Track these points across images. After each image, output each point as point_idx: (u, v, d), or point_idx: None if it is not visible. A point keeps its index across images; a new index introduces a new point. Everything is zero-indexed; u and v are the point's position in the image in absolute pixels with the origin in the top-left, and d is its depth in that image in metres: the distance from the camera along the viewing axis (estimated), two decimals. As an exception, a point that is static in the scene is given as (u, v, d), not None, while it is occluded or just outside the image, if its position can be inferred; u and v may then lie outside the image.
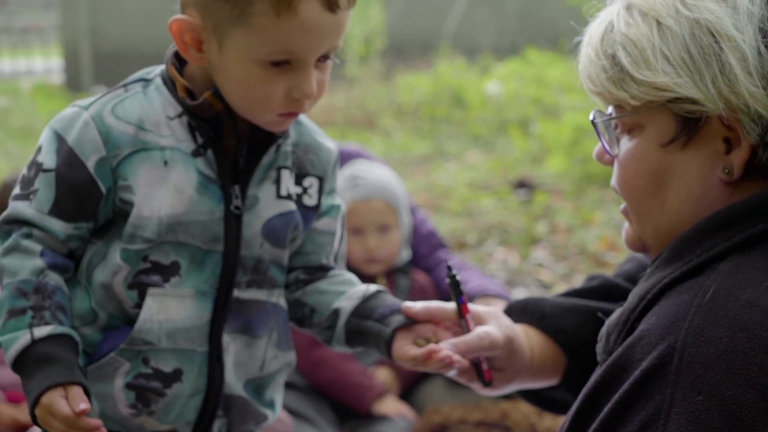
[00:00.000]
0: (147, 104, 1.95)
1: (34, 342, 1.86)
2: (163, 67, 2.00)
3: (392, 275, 4.29)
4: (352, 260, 4.20)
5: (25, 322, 1.87)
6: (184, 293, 1.96)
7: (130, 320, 1.96)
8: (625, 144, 1.83)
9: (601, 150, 1.90)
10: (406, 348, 2.01)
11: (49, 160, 1.93)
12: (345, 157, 4.37)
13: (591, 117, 1.88)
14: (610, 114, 1.85)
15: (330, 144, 2.11)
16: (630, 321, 1.76)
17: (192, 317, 1.97)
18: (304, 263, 2.10)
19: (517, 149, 9.36)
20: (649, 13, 1.77)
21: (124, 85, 1.99)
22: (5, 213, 1.94)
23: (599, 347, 1.84)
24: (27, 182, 1.94)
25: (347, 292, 2.08)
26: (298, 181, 2.05)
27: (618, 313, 1.81)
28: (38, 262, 1.90)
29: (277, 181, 2.02)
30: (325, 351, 4.09)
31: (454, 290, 2.04)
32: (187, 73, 1.98)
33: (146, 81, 1.98)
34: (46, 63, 19.09)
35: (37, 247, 1.91)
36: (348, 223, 4.10)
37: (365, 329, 2.04)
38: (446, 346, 1.99)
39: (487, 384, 2.09)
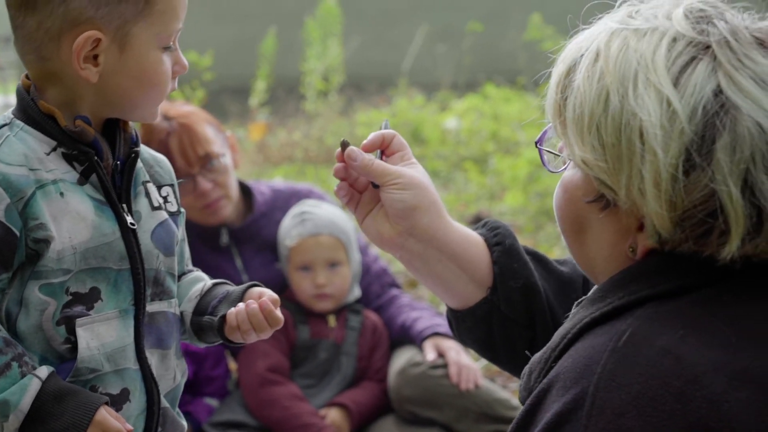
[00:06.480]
0: (23, 144, 1.96)
1: (44, 383, 1.89)
2: (13, 108, 2.02)
3: (343, 313, 4.23)
4: (302, 296, 4.16)
5: (17, 373, 1.89)
6: (110, 316, 2.00)
7: (61, 357, 1.97)
8: (568, 171, 1.81)
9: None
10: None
11: None
12: (296, 197, 4.34)
13: (546, 128, 1.87)
14: (558, 147, 1.84)
15: (160, 155, 2.20)
16: (550, 360, 1.73)
17: (122, 336, 2.01)
18: None
19: (475, 185, 9.35)
20: (605, 78, 1.69)
21: None
22: None
23: (522, 384, 1.82)
24: None
25: (189, 294, 2.16)
26: (158, 193, 2.12)
27: (542, 351, 1.78)
28: None
29: (147, 195, 2.09)
30: (275, 391, 4.04)
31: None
32: (45, 108, 2.00)
33: (7, 125, 2.00)
34: (5, 99, 19.01)
35: None
36: (297, 260, 4.14)
37: (204, 326, 2.13)
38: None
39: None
